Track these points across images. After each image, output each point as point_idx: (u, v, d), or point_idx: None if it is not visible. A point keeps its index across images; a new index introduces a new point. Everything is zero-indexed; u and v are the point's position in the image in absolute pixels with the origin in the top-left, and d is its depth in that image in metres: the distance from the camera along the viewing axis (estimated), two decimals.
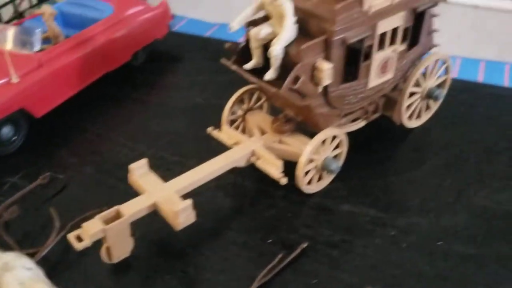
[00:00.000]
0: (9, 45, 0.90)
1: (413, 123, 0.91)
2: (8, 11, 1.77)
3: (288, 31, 0.67)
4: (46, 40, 0.95)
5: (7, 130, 0.87)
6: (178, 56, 1.17)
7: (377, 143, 0.89)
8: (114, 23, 1.00)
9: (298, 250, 0.71)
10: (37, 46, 0.90)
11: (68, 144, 0.92)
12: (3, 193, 0.81)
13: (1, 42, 0.89)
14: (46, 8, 0.90)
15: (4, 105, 0.84)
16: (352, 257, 0.70)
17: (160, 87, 1.06)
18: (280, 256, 0.70)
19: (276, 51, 0.67)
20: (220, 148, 0.80)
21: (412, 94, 0.86)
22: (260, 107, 0.88)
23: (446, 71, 0.91)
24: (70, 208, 0.79)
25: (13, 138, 0.89)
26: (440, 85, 0.91)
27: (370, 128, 0.88)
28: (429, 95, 0.88)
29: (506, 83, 1.06)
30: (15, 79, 0.85)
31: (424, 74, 0.86)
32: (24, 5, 1.78)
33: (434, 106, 0.93)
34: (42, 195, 0.82)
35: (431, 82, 0.88)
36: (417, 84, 0.87)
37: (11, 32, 0.91)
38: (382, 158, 0.87)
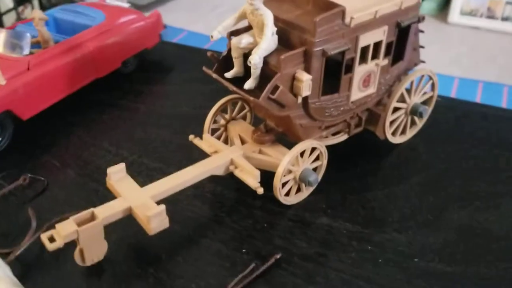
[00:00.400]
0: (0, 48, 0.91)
1: (397, 139, 0.91)
2: (11, 18, 1.79)
3: (267, 41, 0.67)
4: (36, 45, 0.96)
5: None
6: (169, 65, 1.18)
7: (361, 157, 0.89)
8: (105, 30, 1.02)
9: (271, 261, 0.70)
10: (27, 50, 0.91)
11: (52, 147, 0.92)
12: None
13: None
14: (36, 13, 0.91)
15: None
16: (326, 270, 0.70)
17: (148, 95, 1.07)
18: (252, 266, 0.69)
19: (255, 60, 0.67)
20: (202, 156, 0.80)
21: (396, 109, 0.86)
22: (244, 117, 0.89)
23: (432, 88, 0.91)
24: (49, 209, 0.79)
25: None
26: (425, 102, 0.91)
27: (355, 142, 0.88)
28: (414, 112, 0.88)
29: (504, 104, 1.06)
30: (2, 81, 0.86)
31: (409, 90, 0.86)
32: (27, 12, 1.80)
33: (420, 123, 0.93)
34: (23, 196, 0.82)
35: (416, 98, 0.88)
36: (402, 100, 0.87)
37: (2, 35, 0.92)
38: (365, 172, 0.86)
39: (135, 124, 0.98)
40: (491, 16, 2.96)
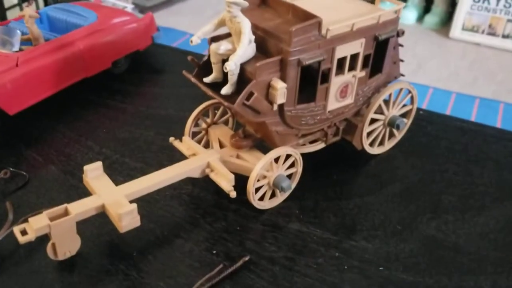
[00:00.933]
0: None
1: (375, 150, 0.92)
2: (15, 13, 1.82)
3: (243, 48, 0.69)
4: (27, 42, 0.98)
5: None
6: (159, 68, 1.20)
7: (337, 166, 0.90)
8: (96, 30, 1.04)
9: (239, 263, 0.72)
10: (17, 47, 0.94)
11: (37, 143, 0.94)
12: None
13: None
14: (27, 11, 0.93)
15: None
16: (292, 274, 0.71)
17: (136, 96, 1.09)
18: (220, 266, 0.71)
19: (230, 66, 0.69)
20: (183, 158, 0.82)
21: (374, 121, 0.88)
22: (226, 121, 0.90)
23: (412, 101, 0.93)
24: (28, 203, 0.81)
25: None
26: (404, 115, 0.93)
27: (333, 150, 0.89)
28: (391, 124, 0.89)
29: (499, 121, 1.08)
30: None
31: (387, 102, 0.88)
32: (32, 8, 1.83)
33: (399, 135, 0.94)
34: (3, 190, 0.84)
35: (394, 111, 0.89)
36: (380, 112, 0.88)
37: None
38: (340, 181, 0.88)
39: (120, 124, 1.00)
40: (492, 33, 2.98)
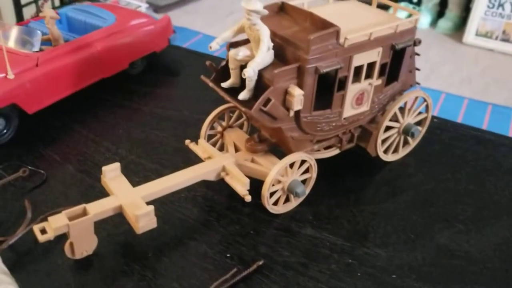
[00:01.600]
0: (11, 43, 0.95)
1: (389, 157, 0.92)
2: (31, 10, 1.84)
3: (262, 55, 0.70)
4: (47, 42, 1.00)
5: None
6: (175, 69, 1.21)
7: (352, 172, 0.91)
8: (115, 32, 1.05)
9: (253, 267, 0.72)
10: (37, 47, 0.95)
11: (54, 142, 0.96)
12: None
13: (5, 40, 0.94)
14: (47, 12, 0.95)
15: None
16: (305, 280, 0.72)
17: (151, 97, 1.10)
18: (234, 270, 0.72)
19: (249, 72, 0.70)
20: (197, 160, 0.83)
21: (389, 128, 0.88)
22: (241, 125, 0.91)
23: (427, 109, 0.93)
24: (46, 202, 0.83)
25: (3, 131, 0.93)
26: (419, 123, 0.93)
27: (347, 157, 0.90)
28: (406, 131, 0.90)
29: (511, 128, 1.07)
30: (10, 75, 0.89)
31: (402, 110, 0.88)
32: (47, 6, 1.84)
33: (413, 142, 0.95)
34: (22, 188, 0.85)
35: (409, 119, 0.90)
36: (395, 119, 0.89)
37: (14, 31, 0.95)
38: (353, 187, 0.88)
39: (137, 125, 1.01)
40: (506, 39, 2.96)
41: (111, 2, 1.81)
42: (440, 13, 3.27)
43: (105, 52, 1.02)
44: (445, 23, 3.16)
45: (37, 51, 0.95)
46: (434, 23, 3.23)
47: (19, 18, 2.09)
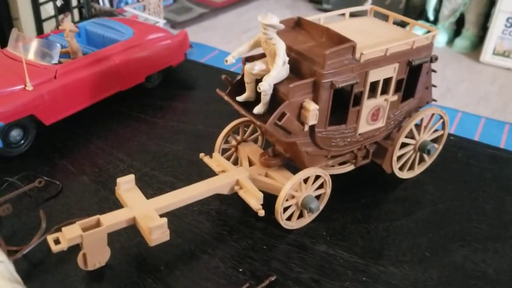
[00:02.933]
0: (30, 56, 0.96)
1: (405, 174, 0.91)
2: (51, 25, 1.87)
3: (277, 69, 0.70)
4: (65, 55, 1.01)
5: (15, 134, 0.93)
6: (191, 83, 1.22)
7: (366, 189, 0.90)
8: (132, 46, 1.06)
9: (265, 283, 0.72)
10: (56, 59, 0.96)
11: (70, 154, 0.97)
12: (0, 190, 0.86)
13: (25, 52, 0.96)
14: (67, 25, 0.96)
15: (16, 109, 0.90)
16: None
17: (167, 111, 1.11)
18: (246, 285, 0.71)
19: (264, 87, 0.70)
20: (211, 174, 0.83)
21: (404, 145, 0.88)
22: (256, 139, 0.91)
23: (443, 126, 0.92)
24: (60, 213, 0.83)
25: (21, 142, 0.94)
26: (435, 140, 0.92)
27: (362, 173, 0.89)
28: (422, 148, 0.89)
29: None
30: (29, 87, 0.91)
31: (418, 127, 0.88)
32: (67, 20, 1.86)
33: (429, 160, 0.94)
34: (37, 198, 0.86)
35: (425, 136, 0.89)
36: (411, 136, 0.88)
37: (34, 43, 0.97)
38: (368, 204, 0.87)
39: (151, 138, 1.02)
40: None
41: (130, 17, 1.83)
42: (456, 31, 3.26)
43: (123, 66, 1.04)
44: (462, 42, 3.15)
45: (55, 64, 0.96)
46: (450, 41, 3.22)
47: (39, 32, 2.12)
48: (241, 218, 0.83)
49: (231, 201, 0.86)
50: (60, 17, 2.29)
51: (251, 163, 0.85)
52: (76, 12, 2.37)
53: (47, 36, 1.07)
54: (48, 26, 2.26)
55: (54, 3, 1.99)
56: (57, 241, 0.68)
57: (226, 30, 3.34)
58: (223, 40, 3.16)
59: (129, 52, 1.05)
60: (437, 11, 3.25)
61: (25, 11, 2.13)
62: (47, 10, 2.18)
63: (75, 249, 0.70)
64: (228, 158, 0.88)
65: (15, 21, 2.09)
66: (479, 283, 0.74)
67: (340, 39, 0.73)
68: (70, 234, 0.68)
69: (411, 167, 0.92)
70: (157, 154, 0.97)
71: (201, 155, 0.86)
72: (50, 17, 2.09)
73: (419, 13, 3.31)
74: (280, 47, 0.70)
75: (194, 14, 3.37)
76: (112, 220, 0.71)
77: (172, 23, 3.19)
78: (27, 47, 0.97)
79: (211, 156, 0.86)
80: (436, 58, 0.83)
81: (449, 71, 2.92)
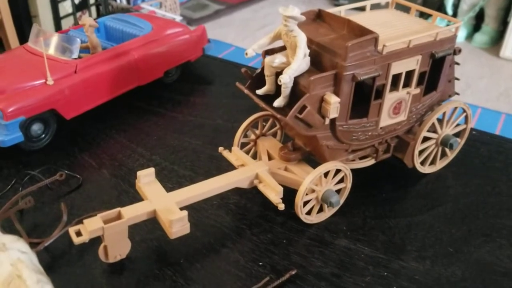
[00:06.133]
0: (51, 51, 0.97)
1: (426, 169, 0.90)
2: (69, 22, 1.89)
3: (298, 62, 0.70)
4: (85, 50, 1.02)
5: (36, 128, 0.93)
6: (210, 79, 1.22)
7: (387, 183, 0.89)
8: (151, 41, 1.06)
9: (286, 276, 0.71)
10: (76, 54, 0.97)
11: (90, 147, 0.97)
12: (22, 183, 0.87)
13: (46, 47, 0.96)
14: (87, 20, 0.97)
15: (37, 104, 0.90)
16: None
17: (185, 105, 1.11)
18: (267, 279, 0.71)
19: (284, 79, 0.69)
20: (230, 168, 0.82)
21: (426, 139, 0.86)
22: (274, 134, 0.91)
23: (466, 120, 0.91)
24: (81, 205, 0.84)
25: (42, 136, 0.95)
26: (458, 134, 0.91)
27: (383, 167, 0.88)
28: (445, 143, 0.87)
29: None
30: (50, 82, 0.91)
31: (441, 121, 0.86)
32: (85, 17, 1.89)
33: (451, 154, 0.92)
34: (58, 191, 0.87)
35: (447, 130, 0.88)
36: (433, 130, 0.87)
37: (54, 39, 0.98)
38: (390, 199, 0.86)
39: (170, 132, 1.02)
40: None
41: (148, 12, 1.84)
42: (476, 26, 3.21)
43: (142, 60, 1.04)
44: (481, 37, 3.10)
45: (76, 58, 0.97)
46: (470, 37, 3.17)
47: (58, 29, 2.15)
48: (260, 212, 0.83)
49: (250, 195, 0.85)
50: (78, 14, 2.32)
51: (270, 157, 0.84)
52: (93, 9, 2.40)
53: (67, 31, 1.08)
54: (66, 24, 2.29)
55: (72, 1, 2.00)
56: (78, 233, 0.69)
57: (242, 26, 3.34)
58: (239, 37, 3.16)
59: (148, 47, 1.06)
60: (456, 5, 3.21)
61: (43, 9, 2.16)
62: (65, 7, 2.20)
63: (96, 241, 0.71)
64: (247, 152, 0.88)
65: (34, 18, 2.11)
66: (504, 280, 0.72)
67: (361, 31, 0.73)
68: (91, 226, 0.68)
69: (433, 162, 0.91)
70: (176, 148, 0.97)
71: (220, 149, 0.86)
72: (68, 15, 2.11)
73: (438, 8, 3.27)
74: (301, 39, 0.69)
75: (210, 11, 3.37)
76: (133, 212, 0.71)
77: (188, 20, 3.20)
78: (47, 42, 0.97)
79: (230, 150, 0.86)
80: (460, 50, 0.82)
81: (469, 66, 2.88)
